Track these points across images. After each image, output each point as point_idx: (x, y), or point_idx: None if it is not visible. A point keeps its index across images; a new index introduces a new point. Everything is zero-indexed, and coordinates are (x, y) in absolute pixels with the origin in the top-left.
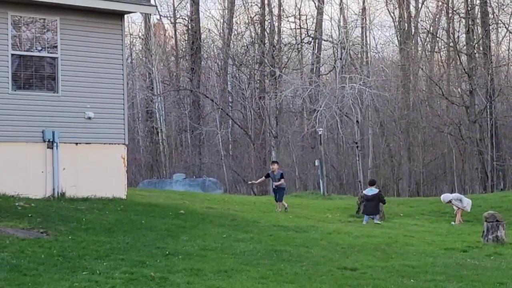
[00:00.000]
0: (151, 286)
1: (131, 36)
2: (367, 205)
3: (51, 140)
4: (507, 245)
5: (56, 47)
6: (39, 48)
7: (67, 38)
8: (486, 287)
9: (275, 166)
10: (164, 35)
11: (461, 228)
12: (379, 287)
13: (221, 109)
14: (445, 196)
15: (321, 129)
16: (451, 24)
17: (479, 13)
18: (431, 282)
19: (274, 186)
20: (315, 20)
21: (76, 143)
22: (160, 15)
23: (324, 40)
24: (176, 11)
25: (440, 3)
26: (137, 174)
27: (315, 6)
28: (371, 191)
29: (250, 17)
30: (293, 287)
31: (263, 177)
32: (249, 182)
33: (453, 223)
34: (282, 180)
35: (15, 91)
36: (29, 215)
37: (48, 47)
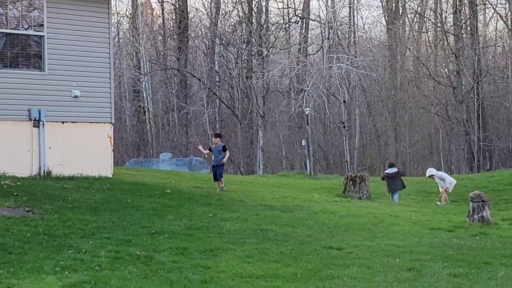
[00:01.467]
0: (137, 265)
1: (118, 15)
2: (390, 183)
3: (37, 118)
4: (493, 225)
5: (42, 25)
6: (26, 26)
7: (53, 16)
8: (471, 267)
9: (217, 139)
10: (152, 14)
11: (446, 208)
12: (364, 267)
13: (208, 88)
14: (431, 170)
15: (308, 109)
16: (438, 5)
17: None
18: (416, 262)
19: (214, 163)
20: (302, 0)
21: (63, 122)
22: None
23: (312, 20)
24: None
25: None
26: (124, 153)
27: None
28: (391, 170)
29: None
30: (279, 266)
31: (207, 150)
32: (198, 147)
33: (438, 203)
34: (227, 153)
35: (1, 69)
36: (15, 193)
37: (34, 25)
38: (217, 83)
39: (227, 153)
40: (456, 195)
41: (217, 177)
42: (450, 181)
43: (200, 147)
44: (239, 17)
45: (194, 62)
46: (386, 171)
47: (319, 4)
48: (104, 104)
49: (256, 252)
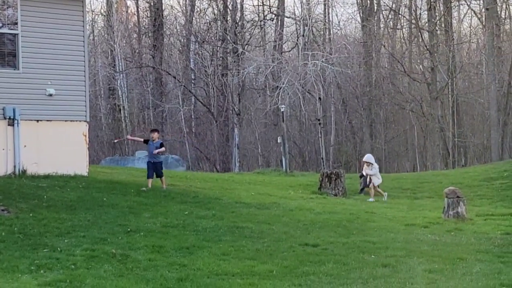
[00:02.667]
0: (113, 263)
1: (93, 13)
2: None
3: (12, 117)
4: (468, 221)
5: (16, 23)
6: (0, 25)
7: (27, 14)
8: (446, 262)
9: (155, 134)
10: (126, 11)
11: (422, 204)
12: (340, 263)
13: (184, 86)
14: (370, 157)
15: (283, 106)
16: (413, 1)
17: None
18: (391, 258)
19: (150, 159)
20: None
21: (37, 120)
22: None
23: (287, 17)
24: None
25: None
26: (99, 152)
27: None
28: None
29: None
30: (255, 263)
31: (142, 140)
32: (128, 137)
33: (371, 199)
34: (163, 149)
35: None
36: None
37: (8, 24)
38: (193, 81)
39: (162, 149)
40: (431, 191)
41: (157, 176)
42: (379, 177)
43: (129, 136)
44: (214, 14)
45: (169, 60)
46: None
47: (294, 1)
48: (79, 102)
49: (232, 250)
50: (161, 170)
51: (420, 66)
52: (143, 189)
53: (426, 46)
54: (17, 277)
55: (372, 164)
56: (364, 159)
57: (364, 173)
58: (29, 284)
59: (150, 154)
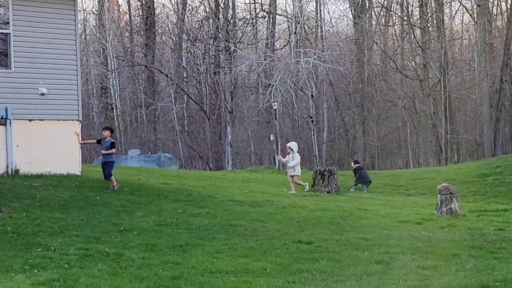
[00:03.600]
0: (106, 262)
1: (85, 12)
2: (364, 173)
3: (4, 116)
4: (461, 217)
5: (8, 23)
6: None
7: (19, 14)
8: (440, 259)
9: (106, 132)
10: (118, 10)
11: (415, 201)
12: (333, 260)
13: (176, 84)
14: (294, 144)
15: (276, 103)
16: None
17: None
18: (385, 255)
19: (102, 159)
20: None
21: (30, 120)
22: None
23: (279, 15)
24: None
25: None
26: (92, 151)
27: None
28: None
29: None
30: (249, 261)
31: (95, 140)
32: (80, 141)
33: (306, 188)
34: (113, 150)
35: None
36: None
37: (0, 23)
38: (185, 79)
39: (113, 150)
40: (424, 188)
41: (104, 176)
42: (297, 168)
43: (81, 141)
44: (206, 12)
45: (161, 58)
46: (358, 165)
47: None
48: (71, 102)
49: (225, 248)
50: (110, 171)
51: (412, 62)
52: (111, 189)
53: (418, 43)
54: (10, 277)
55: (293, 152)
56: (288, 144)
57: (280, 159)
58: (23, 284)
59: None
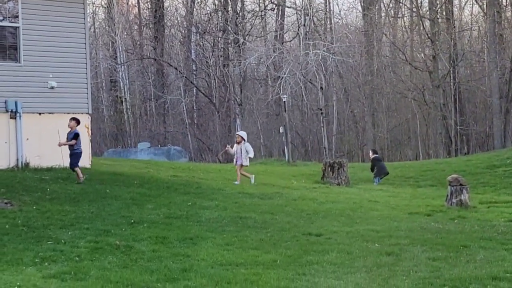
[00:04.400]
0: (117, 255)
1: (94, 5)
2: (382, 165)
3: (14, 110)
4: (471, 209)
5: (17, 16)
6: (0, 18)
7: (28, 7)
8: (450, 250)
9: (72, 122)
10: (127, 3)
11: (425, 192)
12: (343, 252)
13: (185, 77)
14: (243, 133)
15: (285, 96)
16: None
17: None
18: (395, 246)
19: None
20: None
21: (40, 113)
22: None
23: (288, 7)
24: None
25: None
26: (102, 144)
27: None
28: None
29: None
30: (258, 253)
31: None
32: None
33: (236, 182)
34: (72, 141)
35: None
36: None
37: (9, 17)
38: (194, 72)
39: (72, 141)
40: (434, 179)
41: (71, 167)
42: (247, 158)
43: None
44: (215, 5)
45: (170, 51)
46: (377, 155)
47: None
48: (81, 95)
49: (235, 240)
50: (74, 162)
51: (422, 54)
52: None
53: (427, 34)
54: (21, 270)
55: (244, 140)
56: (238, 132)
57: (228, 150)
58: (33, 277)
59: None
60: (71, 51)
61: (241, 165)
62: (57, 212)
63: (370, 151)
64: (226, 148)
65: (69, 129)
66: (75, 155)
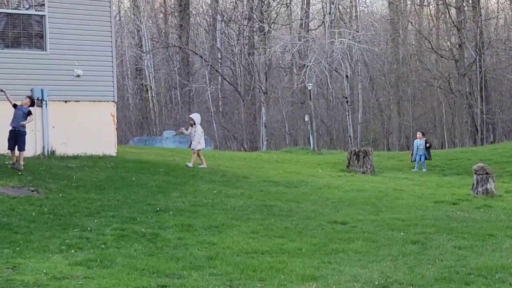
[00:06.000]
0: (142, 242)
1: None
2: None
3: (40, 98)
4: (497, 198)
5: (43, 5)
6: (27, 6)
7: None
8: (475, 239)
9: (27, 100)
10: None
11: (450, 181)
12: (369, 240)
13: (210, 65)
14: (197, 116)
15: (310, 84)
16: None
17: None
18: (421, 235)
19: (13, 125)
20: None
21: (66, 101)
22: None
23: None
24: None
25: None
26: (127, 132)
27: None
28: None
29: None
30: (284, 241)
31: (13, 103)
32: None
33: (189, 164)
34: (29, 119)
35: (2, 49)
36: (20, 173)
37: (35, 5)
38: (219, 60)
39: (30, 117)
40: (460, 168)
41: (18, 148)
42: (201, 142)
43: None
44: None
45: (195, 40)
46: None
47: None
48: (106, 83)
49: (261, 228)
50: (22, 143)
51: (448, 42)
52: (14, 165)
53: (453, 23)
54: (47, 257)
55: (196, 124)
56: (191, 115)
57: (183, 132)
58: (59, 264)
59: (15, 120)
60: (97, 39)
61: (199, 149)
62: (83, 199)
63: (419, 133)
64: (180, 130)
65: (22, 104)
66: (23, 134)
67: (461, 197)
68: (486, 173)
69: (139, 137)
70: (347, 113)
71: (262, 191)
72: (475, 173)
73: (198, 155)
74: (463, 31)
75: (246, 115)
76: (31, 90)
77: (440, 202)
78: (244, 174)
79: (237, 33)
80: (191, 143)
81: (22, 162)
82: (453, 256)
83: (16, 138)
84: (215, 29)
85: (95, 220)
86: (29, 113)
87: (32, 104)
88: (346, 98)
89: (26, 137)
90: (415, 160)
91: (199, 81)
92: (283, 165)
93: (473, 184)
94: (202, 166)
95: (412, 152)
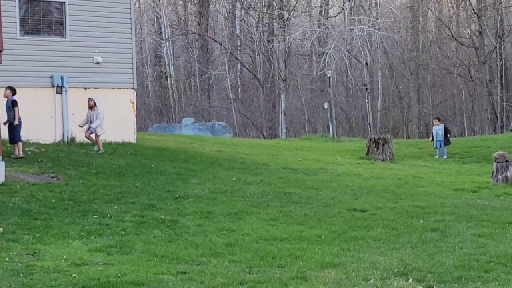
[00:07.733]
0: (162, 229)
1: None
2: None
3: (60, 85)
4: None
5: None
6: None
7: None
8: (495, 227)
9: (7, 91)
10: None
11: (470, 169)
12: (388, 228)
13: (230, 52)
14: (98, 99)
15: (330, 71)
16: None
17: None
18: (440, 223)
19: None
20: None
21: (85, 88)
22: None
23: None
24: None
25: None
26: (147, 119)
27: None
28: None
29: None
30: (303, 228)
31: None
32: None
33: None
34: (16, 110)
35: (23, 36)
36: (40, 160)
37: None
38: (239, 47)
39: (16, 110)
40: (479, 156)
41: (14, 140)
42: (103, 126)
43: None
44: None
45: (215, 27)
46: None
47: None
48: (126, 70)
49: (280, 215)
50: (18, 135)
51: (468, 30)
52: (15, 155)
53: (473, 10)
54: (67, 243)
55: (97, 107)
56: (93, 96)
57: (72, 120)
58: (79, 250)
59: (7, 114)
60: (117, 27)
61: (96, 134)
62: (103, 186)
63: (435, 120)
64: (78, 125)
65: (5, 99)
66: (17, 127)
67: (481, 184)
68: (506, 161)
69: (158, 124)
70: (366, 101)
71: (281, 178)
72: (495, 161)
73: (93, 139)
74: (483, 18)
75: (265, 103)
76: (51, 77)
77: (459, 189)
78: (263, 161)
79: (257, 20)
80: (89, 127)
81: (20, 152)
82: (472, 244)
83: (13, 129)
84: (235, 16)
85: (115, 207)
86: (14, 104)
87: (14, 93)
88: (366, 85)
89: (21, 129)
90: (436, 147)
91: (218, 68)
92: (302, 152)
93: (493, 171)
94: (99, 151)
95: (432, 138)
